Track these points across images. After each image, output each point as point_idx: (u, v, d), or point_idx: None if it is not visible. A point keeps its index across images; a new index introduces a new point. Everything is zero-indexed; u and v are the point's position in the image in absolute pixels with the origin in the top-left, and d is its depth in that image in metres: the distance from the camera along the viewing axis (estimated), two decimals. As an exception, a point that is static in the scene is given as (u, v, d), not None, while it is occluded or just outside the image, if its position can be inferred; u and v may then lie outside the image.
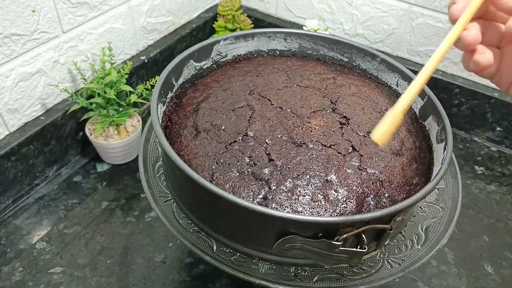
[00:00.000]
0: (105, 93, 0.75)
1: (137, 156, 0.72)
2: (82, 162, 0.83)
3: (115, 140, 0.77)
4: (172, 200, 0.54)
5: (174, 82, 0.60)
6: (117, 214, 0.74)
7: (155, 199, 0.53)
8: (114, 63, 0.79)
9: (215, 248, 0.50)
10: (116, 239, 0.71)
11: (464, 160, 0.89)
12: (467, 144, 0.92)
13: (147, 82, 0.78)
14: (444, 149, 0.51)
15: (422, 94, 0.60)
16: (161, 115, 0.56)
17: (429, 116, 0.59)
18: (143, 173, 0.56)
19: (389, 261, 0.50)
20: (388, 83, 0.66)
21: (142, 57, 0.90)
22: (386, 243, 0.49)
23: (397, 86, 0.65)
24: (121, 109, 0.77)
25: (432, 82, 0.91)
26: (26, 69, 0.68)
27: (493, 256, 0.71)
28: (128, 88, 0.75)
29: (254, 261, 0.49)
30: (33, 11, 0.65)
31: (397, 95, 0.65)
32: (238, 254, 0.49)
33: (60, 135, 0.77)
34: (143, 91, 0.78)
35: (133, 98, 0.75)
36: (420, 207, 0.57)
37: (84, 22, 0.75)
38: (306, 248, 0.44)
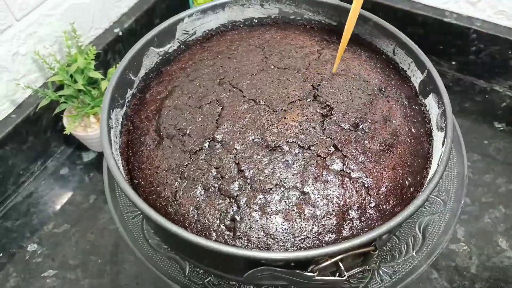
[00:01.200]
0: (76, 82, 0.68)
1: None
2: (67, 152, 0.79)
3: (95, 129, 0.72)
4: (142, 216, 0.50)
5: (132, 77, 0.53)
6: (105, 209, 0.71)
7: (120, 216, 0.49)
8: (82, 45, 0.71)
9: (187, 270, 0.46)
10: (106, 236, 0.69)
11: (481, 115, 0.79)
12: (487, 96, 0.82)
13: (119, 63, 0.71)
14: (443, 143, 0.43)
15: (421, 66, 0.51)
16: (119, 121, 0.50)
17: (429, 94, 0.50)
18: (107, 185, 0.51)
19: (380, 272, 0.45)
20: (384, 51, 0.56)
21: (116, 30, 0.82)
22: (372, 261, 0.43)
23: (394, 55, 0.55)
24: (96, 94, 0.71)
25: (445, 27, 0.79)
26: (-18, 69, 0.63)
27: (509, 229, 0.65)
28: (97, 75, 0.68)
29: (230, 283, 0.45)
30: (-27, 5, 0.58)
31: (395, 66, 0.55)
32: (213, 275, 0.46)
33: (37, 130, 0.73)
34: (115, 75, 0.70)
35: (104, 85, 0.69)
36: (419, 201, 0.51)
37: (39, 4, 0.67)
38: (279, 277, 0.40)
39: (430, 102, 0.49)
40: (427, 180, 0.43)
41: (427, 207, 0.50)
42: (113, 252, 0.67)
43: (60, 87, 0.71)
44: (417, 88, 0.52)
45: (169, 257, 0.47)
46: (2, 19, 0.62)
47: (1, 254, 0.67)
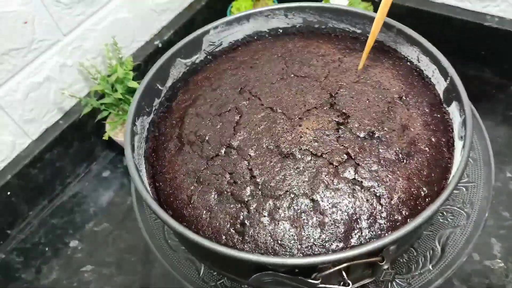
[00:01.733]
0: (116, 91, 0.73)
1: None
2: (110, 156, 0.84)
3: (133, 135, 0.77)
4: (163, 217, 0.53)
5: (160, 87, 0.56)
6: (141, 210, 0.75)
7: (143, 217, 0.52)
8: (122, 57, 0.76)
9: (202, 272, 0.48)
10: (140, 236, 0.72)
11: (528, 124, 0.74)
12: (535, 104, 0.76)
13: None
14: (461, 153, 0.42)
15: (444, 73, 0.49)
16: (146, 127, 0.54)
17: (452, 102, 0.48)
18: (133, 188, 0.55)
19: (394, 284, 0.44)
20: (409, 58, 0.55)
21: (156, 42, 0.86)
22: (385, 270, 0.43)
23: (419, 62, 0.54)
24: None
25: (486, 32, 0.75)
26: (33, 80, 0.69)
27: (553, 247, 0.60)
28: (135, 85, 0.72)
29: (242, 287, 0.47)
30: (25, 23, 0.64)
31: (419, 73, 0.54)
32: (226, 278, 0.47)
33: (82, 136, 0.78)
34: (151, 84, 0.75)
35: (141, 94, 0.73)
36: (442, 213, 0.49)
37: (84, 20, 0.73)
38: (284, 282, 0.40)
39: (453, 110, 0.48)
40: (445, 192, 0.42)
41: (449, 219, 0.48)
42: (146, 252, 0.70)
43: (103, 95, 0.76)
44: (441, 96, 0.51)
45: (186, 258, 0.49)
46: (51, 35, 0.69)
47: (47, 249, 0.73)
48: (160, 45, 0.86)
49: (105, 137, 0.72)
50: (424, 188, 0.44)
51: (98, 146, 0.83)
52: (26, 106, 0.70)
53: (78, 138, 0.78)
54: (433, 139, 0.47)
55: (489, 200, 0.47)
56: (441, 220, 0.48)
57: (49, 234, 0.75)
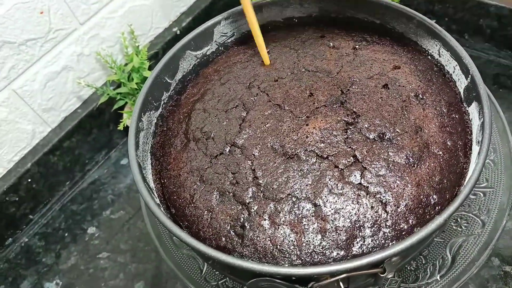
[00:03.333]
0: (132, 80, 0.74)
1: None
2: (128, 144, 0.85)
3: (149, 124, 0.77)
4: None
5: (169, 80, 0.55)
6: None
7: (149, 212, 0.52)
8: (139, 45, 0.76)
9: (204, 270, 0.48)
10: (155, 225, 0.73)
11: None
12: None
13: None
14: (476, 160, 0.39)
15: (465, 70, 0.45)
16: (153, 122, 0.53)
17: (472, 102, 0.45)
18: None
19: (398, 292, 0.42)
20: (430, 51, 0.51)
21: (174, 29, 0.85)
22: (390, 278, 0.41)
23: (440, 56, 0.50)
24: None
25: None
26: (51, 69, 0.70)
27: None
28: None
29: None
30: (41, 13, 0.65)
31: (440, 68, 0.50)
32: (228, 278, 0.47)
33: (100, 124, 0.79)
34: (167, 73, 0.74)
35: (156, 83, 0.73)
36: (455, 219, 0.46)
37: (100, 8, 0.72)
38: (281, 289, 0.39)
39: (473, 111, 0.44)
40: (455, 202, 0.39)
41: (463, 227, 0.45)
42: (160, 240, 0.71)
43: (120, 85, 0.76)
44: (461, 94, 0.47)
45: (189, 256, 0.49)
46: (67, 24, 0.69)
47: (66, 234, 0.75)
48: (178, 32, 0.85)
49: (120, 127, 0.73)
50: (434, 196, 0.41)
51: (116, 133, 0.84)
52: (45, 95, 0.71)
53: (97, 126, 0.79)
54: (448, 143, 0.44)
55: (507, 208, 0.43)
56: (454, 227, 0.45)
57: (69, 219, 0.77)
